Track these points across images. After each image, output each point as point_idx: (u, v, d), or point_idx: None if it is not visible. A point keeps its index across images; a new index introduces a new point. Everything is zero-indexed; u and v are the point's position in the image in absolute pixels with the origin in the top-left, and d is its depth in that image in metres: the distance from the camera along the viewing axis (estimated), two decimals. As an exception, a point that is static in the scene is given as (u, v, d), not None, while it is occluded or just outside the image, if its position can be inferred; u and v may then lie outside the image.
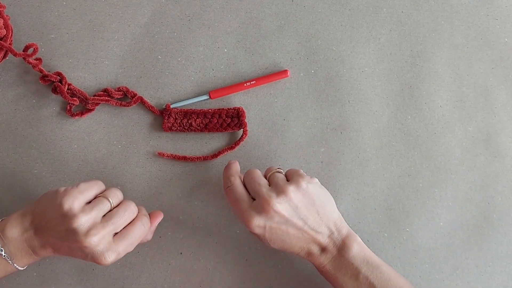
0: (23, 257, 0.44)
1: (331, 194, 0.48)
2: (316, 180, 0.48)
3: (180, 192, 0.54)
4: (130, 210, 0.46)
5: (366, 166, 0.56)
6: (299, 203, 0.45)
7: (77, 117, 0.52)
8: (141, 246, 0.53)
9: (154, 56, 0.53)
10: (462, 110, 0.57)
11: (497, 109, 0.58)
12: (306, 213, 0.45)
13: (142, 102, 0.52)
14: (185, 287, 0.53)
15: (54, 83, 0.51)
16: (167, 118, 0.52)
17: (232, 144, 0.54)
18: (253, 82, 0.53)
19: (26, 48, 0.50)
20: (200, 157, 0.53)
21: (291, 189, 0.45)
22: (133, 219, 0.46)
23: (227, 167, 0.49)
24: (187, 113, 0.52)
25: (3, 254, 0.43)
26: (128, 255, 0.52)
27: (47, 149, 0.52)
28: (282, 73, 0.54)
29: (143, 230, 0.46)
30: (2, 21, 0.49)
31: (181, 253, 0.53)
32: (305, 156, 0.55)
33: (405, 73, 0.56)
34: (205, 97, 0.53)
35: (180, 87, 0.54)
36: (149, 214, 0.49)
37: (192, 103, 0.53)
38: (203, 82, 0.54)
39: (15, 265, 0.44)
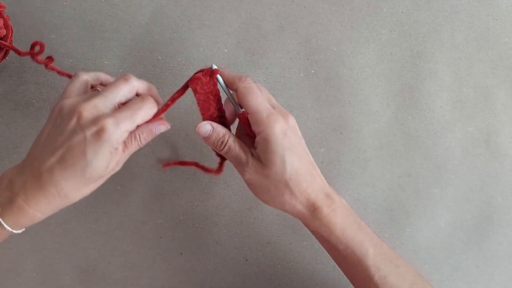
0: (13, 213, 0.37)
1: None
2: None
3: (180, 192, 0.54)
4: (121, 84, 0.39)
5: (366, 167, 0.56)
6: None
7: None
8: (141, 246, 0.53)
9: (154, 57, 0.53)
10: (462, 110, 0.57)
11: (497, 110, 0.58)
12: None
13: (142, 102, 0.52)
14: (186, 287, 0.53)
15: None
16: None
17: None
18: None
19: (32, 46, 0.49)
20: (210, 170, 0.50)
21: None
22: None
23: (208, 137, 0.42)
24: None
25: None
26: (128, 255, 0.52)
27: (47, 149, 0.52)
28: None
29: (144, 104, 0.40)
30: (2, 21, 0.49)
31: (181, 253, 0.53)
32: (305, 156, 0.55)
33: (405, 73, 0.56)
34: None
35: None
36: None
37: (192, 103, 0.53)
38: (203, 83, 0.54)
39: (3, 223, 0.37)
